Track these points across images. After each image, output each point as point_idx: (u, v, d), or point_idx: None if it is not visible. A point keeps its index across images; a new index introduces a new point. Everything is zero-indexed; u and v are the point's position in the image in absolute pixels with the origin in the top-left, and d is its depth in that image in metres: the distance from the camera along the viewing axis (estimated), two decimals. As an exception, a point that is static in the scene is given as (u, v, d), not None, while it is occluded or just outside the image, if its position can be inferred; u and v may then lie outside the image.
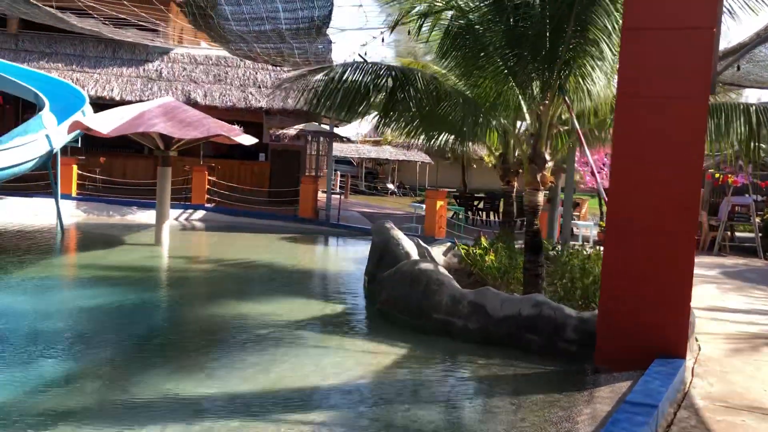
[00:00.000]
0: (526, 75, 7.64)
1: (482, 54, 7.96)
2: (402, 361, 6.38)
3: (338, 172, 33.00)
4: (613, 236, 5.75)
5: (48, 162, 12.49)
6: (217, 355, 6.36)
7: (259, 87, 19.70)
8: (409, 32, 9.71)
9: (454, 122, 7.56)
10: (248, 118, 20.20)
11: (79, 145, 15.10)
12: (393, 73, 7.21)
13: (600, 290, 5.90)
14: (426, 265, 7.77)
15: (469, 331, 6.98)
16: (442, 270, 7.74)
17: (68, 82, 16.02)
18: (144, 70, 19.98)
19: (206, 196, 17.81)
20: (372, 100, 7.29)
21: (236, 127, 12.85)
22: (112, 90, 18.82)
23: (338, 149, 41.69)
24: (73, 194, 17.30)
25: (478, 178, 36.69)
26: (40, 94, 14.52)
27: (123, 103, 17.02)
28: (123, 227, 15.07)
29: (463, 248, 9.47)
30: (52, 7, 15.44)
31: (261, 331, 7.14)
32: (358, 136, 41.07)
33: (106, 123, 11.45)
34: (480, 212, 20.45)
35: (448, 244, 11.15)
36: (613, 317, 5.74)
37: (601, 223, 15.97)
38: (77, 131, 13.22)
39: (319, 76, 7.41)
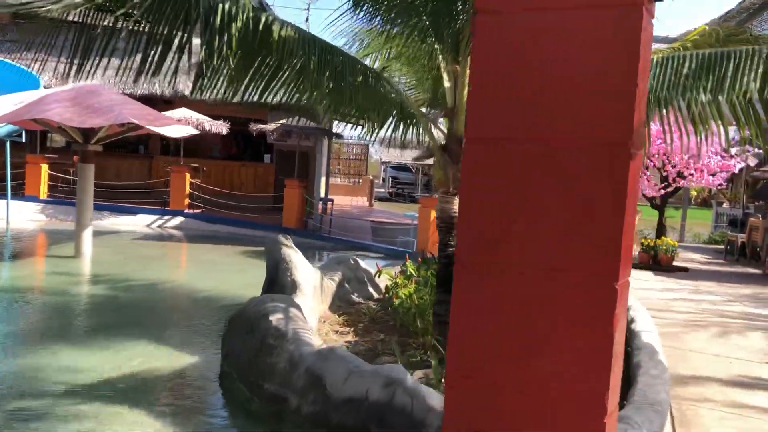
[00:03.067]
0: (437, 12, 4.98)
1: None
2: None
3: (369, 178, 30.47)
4: (463, 272, 2.97)
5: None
6: None
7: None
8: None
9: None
10: (249, 114, 18.04)
11: (24, 140, 13.30)
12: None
13: (446, 365, 3.13)
14: (272, 307, 5.17)
15: (303, 417, 4.34)
16: (294, 313, 5.12)
17: (23, 66, 14.23)
18: (135, 61, 18.12)
19: (187, 200, 15.71)
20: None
21: (168, 116, 10.62)
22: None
23: (394, 156, 39.24)
24: (41, 196, 15.59)
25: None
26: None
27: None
28: (71, 234, 13.09)
29: (387, 276, 6.80)
30: None
31: (40, 402, 4.82)
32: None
33: (-5, 109, 9.45)
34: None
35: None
36: (463, 416, 2.99)
37: (644, 240, 12.78)
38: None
39: None
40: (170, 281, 9.54)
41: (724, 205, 22.27)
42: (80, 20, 4.72)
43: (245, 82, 4.95)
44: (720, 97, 4.10)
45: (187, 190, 15.75)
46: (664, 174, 12.28)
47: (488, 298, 3.12)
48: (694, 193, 29.54)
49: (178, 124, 10.59)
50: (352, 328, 6.45)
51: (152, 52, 4.79)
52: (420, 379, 4.74)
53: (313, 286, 6.53)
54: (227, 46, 4.58)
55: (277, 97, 5.12)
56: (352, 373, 4.19)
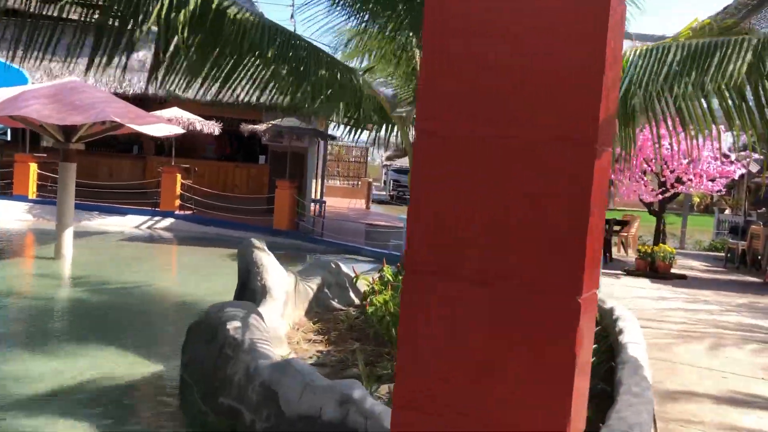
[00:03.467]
0: None
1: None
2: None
3: (367, 180, 30.12)
4: (412, 280, 2.66)
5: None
6: None
7: (255, 79, 17.16)
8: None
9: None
10: (243, 115, 17.74)
11: (8, 138, 13.05)
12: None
13: (394, 385, 2.81)
14: (231, 314, 4.87)
15: (257, 435, 4.04)
16: (255, 321, 4.81)
17: (12, 64, 13.99)
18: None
19: (177, 201, 15.43)
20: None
21: (154, 114, 10.35)
22: (86, 80, 16.80)
23: (403, 160, 38.89)
24: (30, 196, 15.33)
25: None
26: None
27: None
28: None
29: (365, 281, 6.50)
30: None
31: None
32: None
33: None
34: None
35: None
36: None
37: (642, 246, 12.45)
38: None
39: None
40: (147, 285, 9.25)
41: (726, 212, 21.89)
42: (26, 8, 4.44)
43: (203, 73, 4.67)
44: (708, 87, 3.76)
45: (178, 191, 15.48)
46: (662, 179, 11.94)
47: (438, 310, 2.75)
48: (696, 200, 29.14)
49: (167, 124, 10.31)
50: (326, 336, 6.14)
51: (103, 43, 4.49)
52: (386, 394, 4.44)
53: (285, 291, 6.22)
54: (180, 32, 4.29)
55: (238, 93, 4.84)
56: (306, 388, 3.88)
